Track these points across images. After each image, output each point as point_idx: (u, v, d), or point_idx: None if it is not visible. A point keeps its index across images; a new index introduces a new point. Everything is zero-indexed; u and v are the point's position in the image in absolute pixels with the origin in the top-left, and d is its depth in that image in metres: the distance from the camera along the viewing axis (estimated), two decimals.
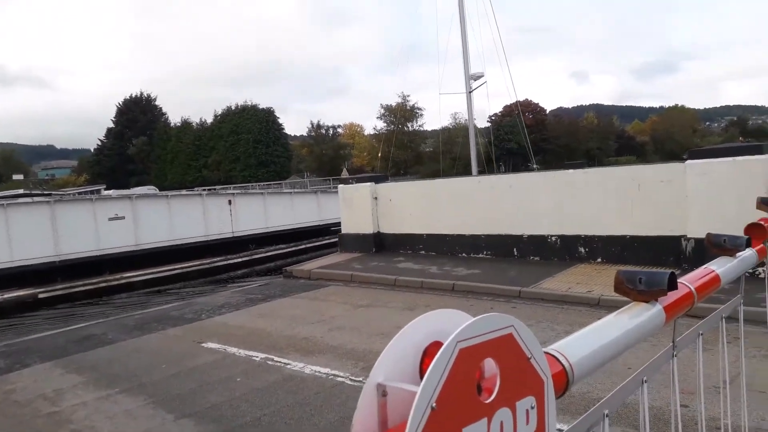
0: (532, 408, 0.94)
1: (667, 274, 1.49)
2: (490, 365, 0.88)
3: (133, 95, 73.54)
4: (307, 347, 6.61)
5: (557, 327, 6.51)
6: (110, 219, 17.41)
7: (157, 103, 74.72)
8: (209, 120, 69.50)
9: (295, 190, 25.77)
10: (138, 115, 71.12)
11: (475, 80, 25.61)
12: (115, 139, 70.58)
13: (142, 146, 67.90)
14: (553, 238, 9.86)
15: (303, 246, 20.03)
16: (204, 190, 26.05)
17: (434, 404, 0.75)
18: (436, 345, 0.94)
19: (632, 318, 1.49)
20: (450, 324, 0.94)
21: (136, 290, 14.42)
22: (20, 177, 62.79)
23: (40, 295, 13.11)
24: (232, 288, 12.02)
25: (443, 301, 8.19)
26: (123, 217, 17.70)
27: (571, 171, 10.26)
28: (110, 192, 28.55)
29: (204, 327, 8.01)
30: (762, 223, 2.76)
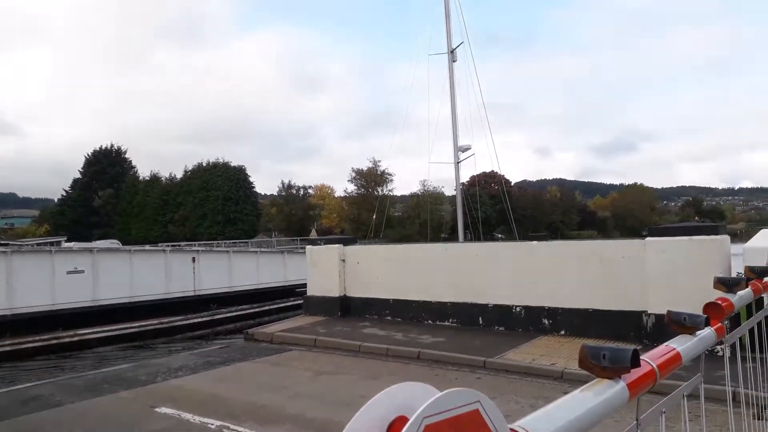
0: None
1: (630, 351, 1.52)
2: None
3: (103, 147, 72.94)
4: (265, 415, 6.38)
5: (522, 400, 6.45)
6: (69, 272, 16.86)
7: (126, 155, 74.22)
8: (179, 175, 69.14)
9: (261, 250, 25.51)
10: (106, 166, 70.29)
11: (463, 152, 27.03)
12: (81, 190, 69.30)
13: (108, 198, 66.77)
14: (518, 309, 9.92)
15: (267, 307, 19.67)
16: (168, 246, 25.55)
17: None
18: (401, 420, 0.94)
19: (597, 395, 1.51)
20: (416, 398, 0.95)
21: (90, 348, 13.81)
22: None
23: None
24: (191, 349, 11.62)
25: (408, 370, 8.06)
26: (82, 271, 17.17)
27: (534, 243, 10.45)
28: (71, 244, 27.79)
29: (158, 390, 7.67)
30: (719, 302, 2.86)
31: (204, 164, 66.92)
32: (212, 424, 6.11)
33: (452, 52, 25.64)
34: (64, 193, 71.96)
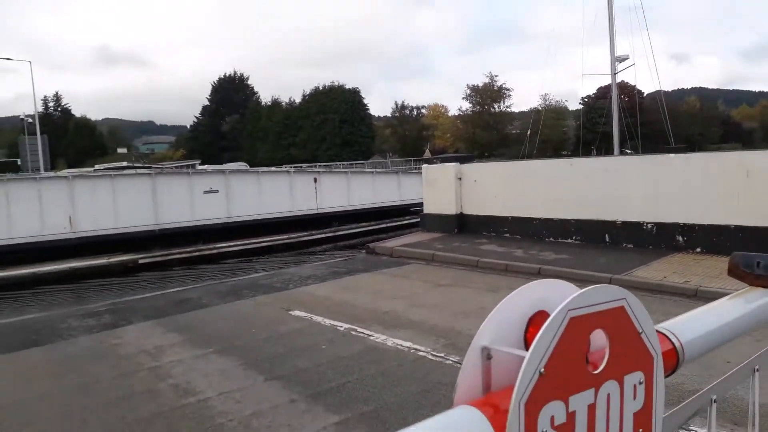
0: (640, 383, 0.92)
1: None
2: (599, 336, 0.87)
3: (227, 74, 76.68)
4: (389, 321, 6.72)
5: (652, 316, 6.21)
6: (205, 192, 18.39)
7: (248, 82, 77.56)
8: (297, 99, 71.30)
9: (377, 170, 26.05)
10: (231, 93, 74.14)
11: (620, 62, 26.37)
12: (210, 117, 74.03)
13: (234, 124, 70.81)
14: (649, 225, 9.37)
15: (384, 225, 20.28)
16: (291, 167, 26.85)
17: (542, 369, 0.75)
18: (541, 314, 0.93)
19: (748, 303, 1.40)
20: (556, 294, 0.93)
21: (227, 259, 15.17)
22: (124, 150, 67.27)
23: (141, 261, 14.10)
24: (317, 261, 12.39)
25: None
26: (217, 191, 18.64)
27: (671, 155, 9.68)
28: (205, 167, 30.12)
29: (291, 296, 8.33)
30: None
31: (320, 88, 68.26)
32: (341, 326, 6.56)
33: None
34: (195, 120, 77.30)
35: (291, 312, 7.34)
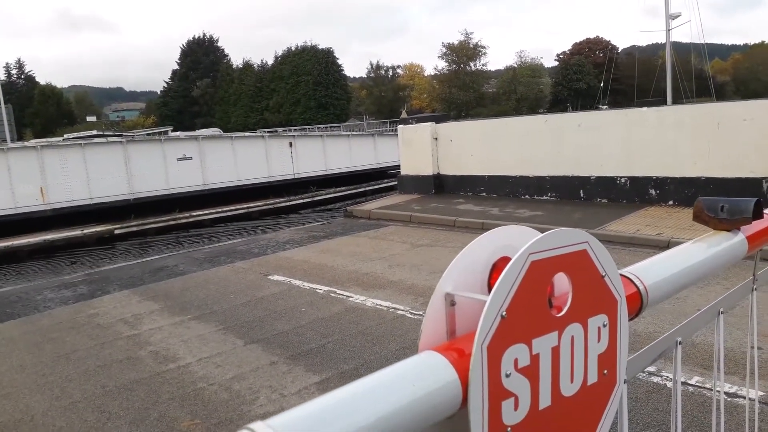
0: (604, 326, 0.92)
1: (753, 202, 1.40)
2: (562, 280, 0.87)
3: (196, 37, 74.58)
4: (368, 282, 6.76)
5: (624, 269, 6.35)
6: (179, 159, 18.08)
7: (219, 44, 75.59)
8: (270, 61, 69.85)
9: (353, 133, 25.83)
10: (201, 57, 72.26)
11: (673, 19, 28.00)
12: (180, 81, 72.26)
13: (206, 88, 69.29)
14: (623, 180, 9.50)
15: (362, 189, 20.24)
16: (266, 132, 26.50)
17: (504, 313, 0.74)
18: (504, 260, 0.93)
19: (711, 246, 1.42)
20: (520, 240, 0.92)
21: (204, 227, 15.05)
22: (93, 119, 65.62)
23: (116, 231, 13.91)
24: (296, 226, 12.35)
25: None
26: (191, 158, 18.34)
27: (644, 109, 9.74)
28: (177, 133, 29.53)
29: (269, 261, 8.31)
30: None
31: (293, 49, 66.88)
32: (320, 289, 6.59)
33: None
34: (165, 85, 75.42)
35: (269, 276, 7.34)
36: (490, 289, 0.96)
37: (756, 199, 1.43)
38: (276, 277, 7.27)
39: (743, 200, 1.44)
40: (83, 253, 12.54)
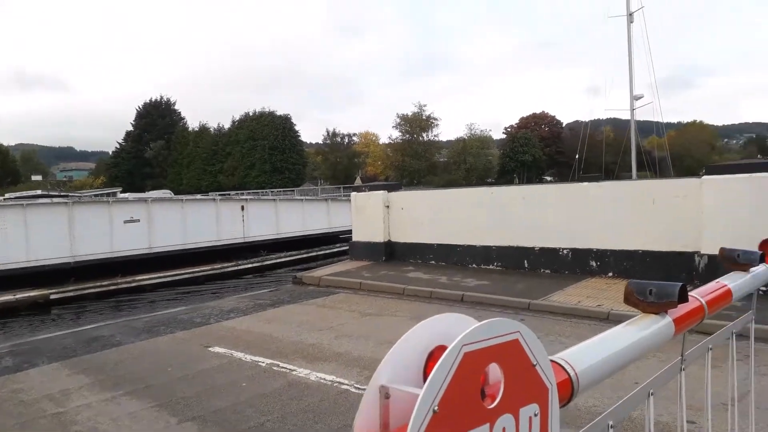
0: (536, 415, 0.92)
1: (678, 286, 1.44)
2: (494, 370, 0.87)
3: (153, 99, 74.56)
4: (313, 354, 6.58)
5: (566, 340, 6.42)
6: (126, 222, 17.59)
7: (176, 107, 75.72)
8: (227, 125, 70.19)
9: (306, 198, 25.90)
10: (157, 118, 72.02)
11: (637, 100, 31.17)
12: (134, 142, 71.49)
13: (159, 150, 68.69)
14: (565, 251, 9.76)
15: (313, 253, 20.08)
16: (218, 195, 26.26)
17: (436, 407, 0.74)
18: (441, 349, 0.92)
19: (641, 329, 1.45)
20: (456, 328, 0.92)
21: (146, 293, 14.49)
22: (39, 178, 63.69)
23: (52, 296, 13.20)
24: (241, 293, 12.03)
25: (452, 312, 8.10)
26: (138, 220, 17.86)
27: (585, 184, 10.18)
28: (126, 195, 28.91)
29: (212, 331, 8.01)
30: None
31: (250, 114, 67.60)
32: (263, 362, 6.36)
33: (630, 14, 28.87)
34: (118, 146, 74.41)
35: (210, 348, 7.05)
36: (425, 378, 0.94)
37: (681, 284, 1.47)
38: (217, 349, 6.99)
39: (670, 284, 1.49)
40: (14, 320, 11.79)
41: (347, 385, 5.54)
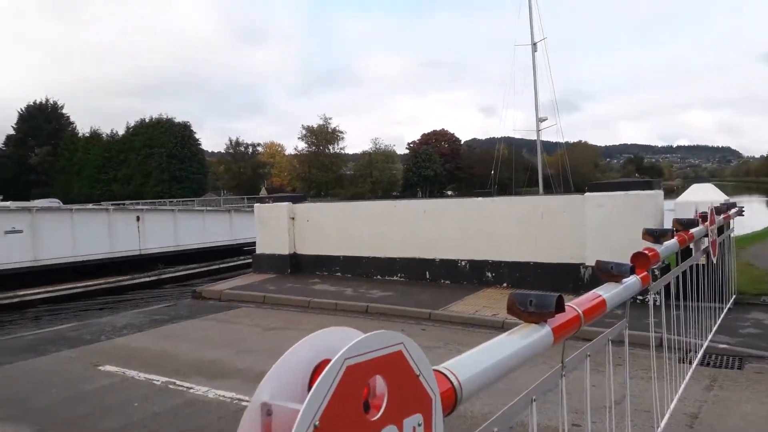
0: (419, 425, 0.96)
1: (555, 297, 1.59)
2: (378, 382, 0.90)
3: (38, 101, 69.06)
4: (212, 371, 6.38)
5: (464, 349, 6.61)
6: (6, 232, 16.17)
7: (63, 111, 70.58)
8: (121, 131, 66.45)
9: (208, 209, 25.05)
10: (42, 123, 66.71)
11: (542, 121, 33.43)
12: (15, 147, 65.75)
13: (45, 156, 63.65)
14: (463, 263, 10.16)
15: (215, 266, 19.44)
16: (112, 204, 24.75)
17: (317, 422, 0.75)
18: (326, 363, 0.95)
19: (522, 338, 1.57)
20: (341, 342, 0.96)
21: (31, 309, 13.36)
22: None
23: None
24: (137, 309, 11.40)
25: (356, 323, 8.14)
26: (21, 231, 16.49)
27: (479, 199, 10.66)
28: (8, 203, 26.48)
29: (103, 349, 7.54)
30: (646, 252, 3.01)
31: (147, 120, 64.47)
32: (158, 380, 6.08)
33: (535, 44, 30.64)
34: None
35: (100, 367, 6.64)
36: None
37: (558, 294, 1.62)
38: (108, 368, 6.60)
39: (548, 295, 1.63)
40: None
41: (247, 401, 5.35)
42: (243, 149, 79.52)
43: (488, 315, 7.79)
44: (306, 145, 76.09)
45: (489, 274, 9.86)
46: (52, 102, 69.78)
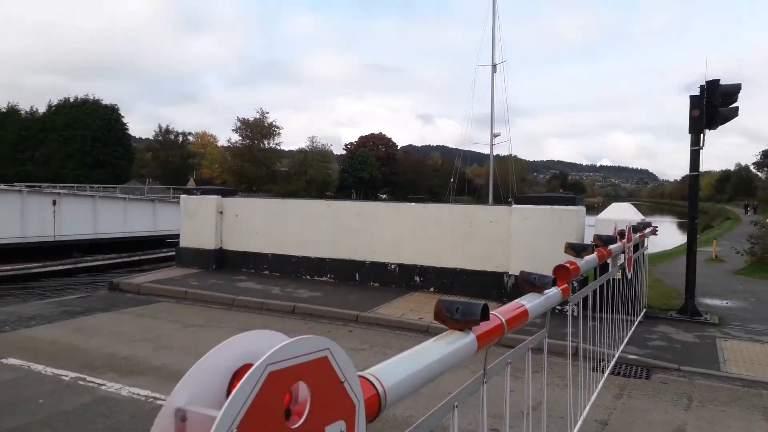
0: None
1: (481, 306, 1.61)
2: (301, 389, 0.88)
3: None
4: (126, 367, 6.10)
5: (389, 351, 6.71)
6: None
7: None
8: (42, 109, 62.49)
9: (131, 197, 24.04)
10: None
11: (496, 136, 35.11)
12: None
13: None
14: (393, 266, 10.24)
15: (136, 257, 18.63)
16: (26, 186, 23.25)
17: (235, 430, 0.72)
18: (247, 368, 0.91)
19: (448, 345, 1.59)
20: (265, 346, 0.92)
21: None
22: None
23: None
24: (48, 299, 10.73)
25: (282, 323, 8.06)
26: None
27: (412, 204, 10.78)
28: None
29: (6, 340, 7.05)
30: (567, 265, 3.13)
31: (71, 100, 60.98)
32: (66, 376, 5.75)
33: (495, 65, 30.74)
34: None
35: (3, 360, 6.21)
36: None
37: (483, 303, 1.65)
38: (11, 361, 6.18)
39: (474, 303, 1.65)
40: None
41: (162, 400, 5.18)
42: (173, 137, 76.70)
43: (414, 319, 7.88)
44: (240, 138, 74.31)
45: (417, 279, 9.98)
46: None
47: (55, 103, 61.90)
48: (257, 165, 71.30)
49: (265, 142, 74.99)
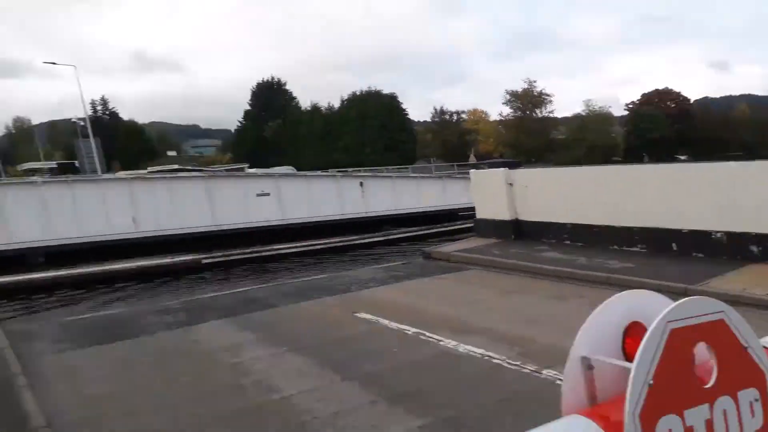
0: (756, 401, 0.88)
1: None
2: (702, 350, 0.84)
3: (265, 80, 77.87)
4: (458, 327, 6.67)
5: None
6: (258, 195, 18.80)
7: (286, 87, 78.61)
8: (336, 105, 71.82)
9: (421, 175, 26.14)
10: (271, 98, 75.32)
11: None
12: (252, 121, 75.35)
13: (276, 129, 71.88)
14: (718, 234, 9.06)
15: (434, 230, 20.18)
16: (338, 171, 27.16)
17: (651, 381, 0.74)
18: (636, 325, 0.92)
19: None
20: (648, 305, 0.92)
21: (284, 261, 15.35)
22: (173, 153, 69.00)
23: (204, 261, 14.44)
24: (374, 265, 12.43)
25: (598, 293, 7.85)
26: (268, 194, 19.04)
27: (732, 163, 9.35)
28: (254, 170, 30.73)
29: (355, 298, 8.40)
30: None
31: (357, 93, 68.67)
32: (409, 330, 6.56)
33: None
34: (239, 124, 78.79)
35: (357, 314, 7.39)
36: (624, 354, 0.94)
37: None
38: (364, 315, 7.32)
39: None
40: (174, 281, 13.00)
41: (498, 359, 5.53)
42: (448, 117, 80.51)
43: (761, 294, 6.88)
44: (511, 111, 74.30)
45: (753, 248, 8.67)
46: (276, 80, 78.26)
47: (345, 98, 70.52)
48: (532, 135, 70.38)
49: (537, 112, 73.54)
